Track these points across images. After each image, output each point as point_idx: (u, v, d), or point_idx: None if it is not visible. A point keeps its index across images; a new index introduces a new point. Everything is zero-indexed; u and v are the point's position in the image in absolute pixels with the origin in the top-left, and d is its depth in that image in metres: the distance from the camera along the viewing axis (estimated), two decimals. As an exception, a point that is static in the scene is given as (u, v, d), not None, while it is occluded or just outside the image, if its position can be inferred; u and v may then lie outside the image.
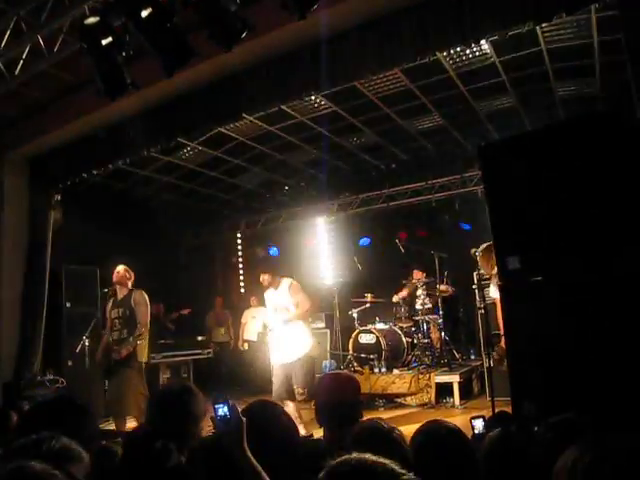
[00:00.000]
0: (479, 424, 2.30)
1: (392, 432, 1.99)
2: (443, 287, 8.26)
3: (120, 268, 5.76)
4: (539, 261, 2.94)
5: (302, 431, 5.15)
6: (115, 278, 5.75)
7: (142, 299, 5.65)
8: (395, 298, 8.61)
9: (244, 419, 1.85)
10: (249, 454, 1.78)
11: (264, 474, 1.75)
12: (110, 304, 5.79)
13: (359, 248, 9.96)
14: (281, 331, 5.68)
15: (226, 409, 1.86)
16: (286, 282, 5.79)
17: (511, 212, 3.02)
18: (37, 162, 7.27)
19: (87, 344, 6.62)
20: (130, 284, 5.75)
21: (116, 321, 5.66)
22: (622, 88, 6.58)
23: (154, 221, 9.72)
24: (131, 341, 5.46)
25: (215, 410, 1.88)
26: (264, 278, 5.79)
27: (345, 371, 7.13)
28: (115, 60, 3.66)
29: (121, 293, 5.73)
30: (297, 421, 5.32)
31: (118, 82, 3.77)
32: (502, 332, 5.66)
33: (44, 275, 7.17)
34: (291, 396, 5.46)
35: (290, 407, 5.40)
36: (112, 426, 5.87)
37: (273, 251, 10.75)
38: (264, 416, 1.97)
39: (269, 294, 5.88)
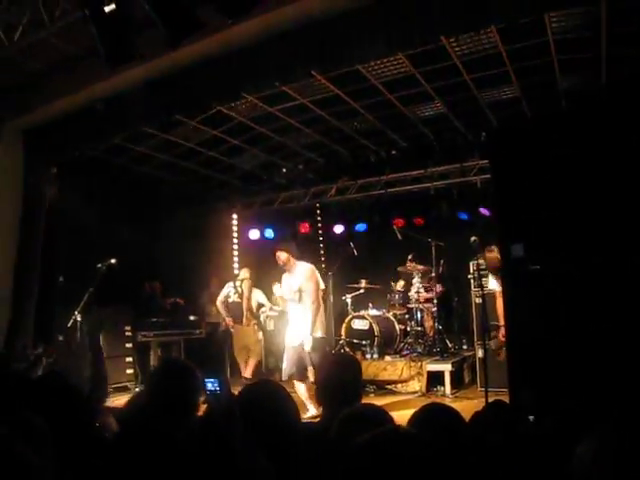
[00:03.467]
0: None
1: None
2: (439, 288, 8.27)
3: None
4: (543, 250, 2.91)
5: (314, 412, 5.20)
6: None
7: None
8: (393, 286, 8.64)
9: (234, 393, 1.82)
10: (241, 429, 1.75)
11: (256, 450, 1.72)
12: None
13: (355, 233, 9.92)
14: (293, 314, 5.88)
15: (216, 384, 1.86)
16: (303, 267, 5.90)
17: (518, 199, 2.98)
18: (33, 134, 7.15)
19: (79, 319, 6.57)
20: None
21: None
22: (627, 82, 6.55)
23: (149, 198, 9.63)
24: None
25: (205, 385, 1.88)
26: (280, 256, 5.81)
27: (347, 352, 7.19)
28: (118, 28, 3.57)
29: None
30: (308, 402, 5.39)
31: (122, 50, 3.68)
32: (501, 323, 5.70)
33: (37, 248, 7.10)
34: (302, 376, 5.53)
35: (301, 387, 5.46)
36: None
37: (268, 233, 10.69)
38: (264, 397, 1.94)
39: (285, 277, 6.01)
